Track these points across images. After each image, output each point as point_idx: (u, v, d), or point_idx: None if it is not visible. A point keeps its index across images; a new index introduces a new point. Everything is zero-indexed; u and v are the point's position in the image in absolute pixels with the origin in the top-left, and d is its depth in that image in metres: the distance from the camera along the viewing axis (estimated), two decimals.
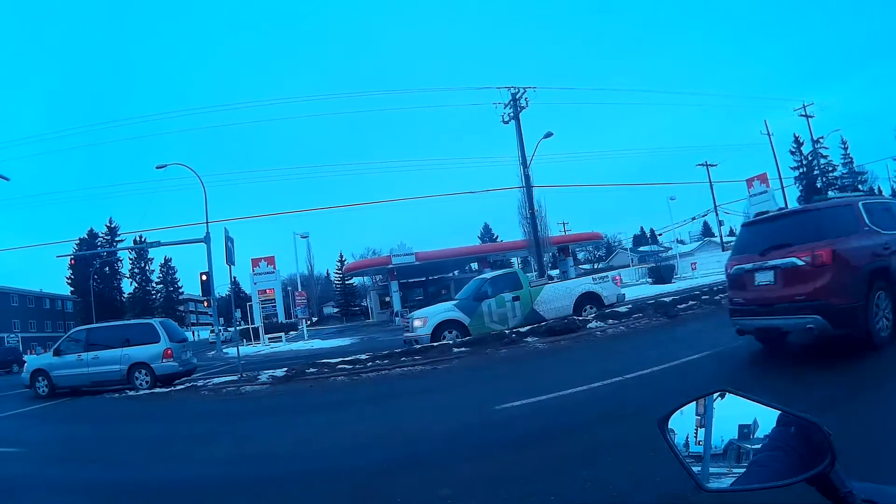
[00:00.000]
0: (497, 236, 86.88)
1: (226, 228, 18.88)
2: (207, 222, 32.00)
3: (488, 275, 18.31)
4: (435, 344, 14.87)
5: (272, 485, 5.49)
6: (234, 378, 14.63)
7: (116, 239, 75.02)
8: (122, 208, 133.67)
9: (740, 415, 1.35)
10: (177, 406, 12.81)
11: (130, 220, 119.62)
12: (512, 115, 31.57)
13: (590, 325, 14.98)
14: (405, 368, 12.74)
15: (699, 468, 1.37)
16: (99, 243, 73.40)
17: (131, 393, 15.09)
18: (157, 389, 15.11)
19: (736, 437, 1.35)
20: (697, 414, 1.42)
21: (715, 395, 1.40)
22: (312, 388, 12.14)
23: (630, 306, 17.47)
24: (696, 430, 1.41)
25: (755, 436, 1.32)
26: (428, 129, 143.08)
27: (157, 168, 33.55)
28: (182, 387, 15.22)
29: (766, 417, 1.32)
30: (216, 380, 15.23)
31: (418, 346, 14.95)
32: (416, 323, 16.35)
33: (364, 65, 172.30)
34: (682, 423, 1.44)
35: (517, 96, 31.46)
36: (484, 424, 6.85)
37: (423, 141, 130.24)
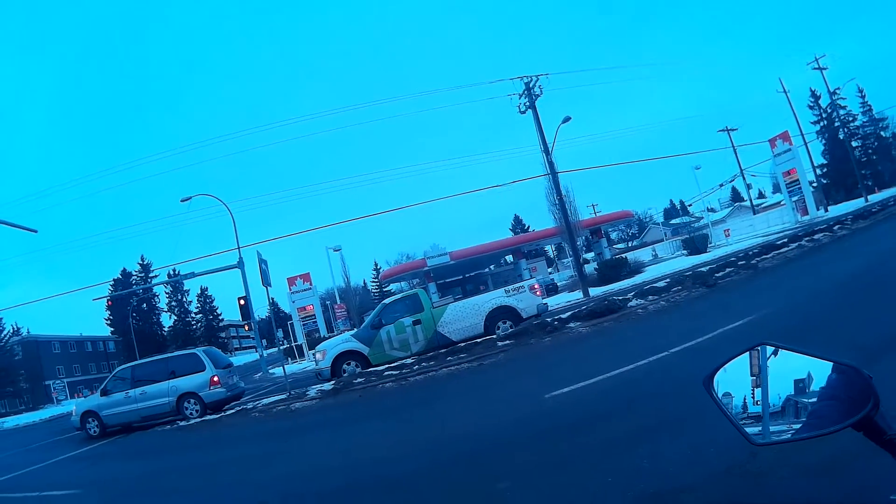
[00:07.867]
0: (528, 226, 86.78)
1: (258, 251, 19.20)
2: (239, 247, 32.50)
3: (388, 300, 17.45)
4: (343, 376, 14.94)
5: (329, 499, 5.56)
6: (283, 396, 14.80)
7: (150, 275, 76.30)
8: (153, 245, 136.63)
9: (783, 368, 1.37)
10: (229, 431, 12.91)
11: (162, 256, 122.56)
12: (528, 104, 31.50)
13: (630, 303, 14.90)
14: (452, 368, 12.73)
15: (752, 427, 1.39)
16: (134, 281, 74.94)
17: (182, 423, 15.29)
18: (208, 417, 15.31)
19: (787, 391, 1.36)
20: (740, 369, 1.44)
21: (756, 349, 1.42)
22: (362, 398, 12.17)
23: (668, 280, 17.32)
24: (740, 385, 1.43)
25: (809, 388, 1.33)
26: (448, 130, 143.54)
27: (181, 201, 33.99)
28: (232, 411, 15.42)
29: (814, 368, 1.33)
30: (265, 400, 15.40)
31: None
32: (318, 356, 16.14)
33: (374, 75, 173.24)
34: (727, 379, 1.46)
35: (530, 85, 31.37)
36: (536, 414, 6.85)
37: (445, 141, 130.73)
